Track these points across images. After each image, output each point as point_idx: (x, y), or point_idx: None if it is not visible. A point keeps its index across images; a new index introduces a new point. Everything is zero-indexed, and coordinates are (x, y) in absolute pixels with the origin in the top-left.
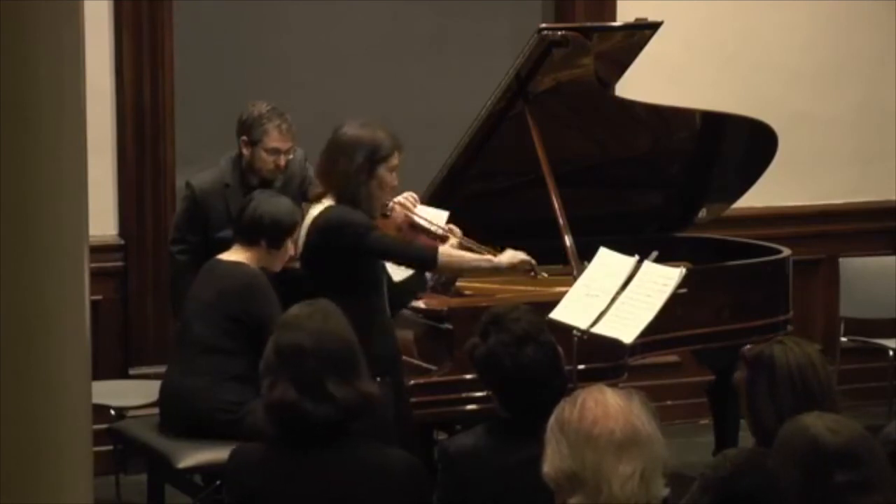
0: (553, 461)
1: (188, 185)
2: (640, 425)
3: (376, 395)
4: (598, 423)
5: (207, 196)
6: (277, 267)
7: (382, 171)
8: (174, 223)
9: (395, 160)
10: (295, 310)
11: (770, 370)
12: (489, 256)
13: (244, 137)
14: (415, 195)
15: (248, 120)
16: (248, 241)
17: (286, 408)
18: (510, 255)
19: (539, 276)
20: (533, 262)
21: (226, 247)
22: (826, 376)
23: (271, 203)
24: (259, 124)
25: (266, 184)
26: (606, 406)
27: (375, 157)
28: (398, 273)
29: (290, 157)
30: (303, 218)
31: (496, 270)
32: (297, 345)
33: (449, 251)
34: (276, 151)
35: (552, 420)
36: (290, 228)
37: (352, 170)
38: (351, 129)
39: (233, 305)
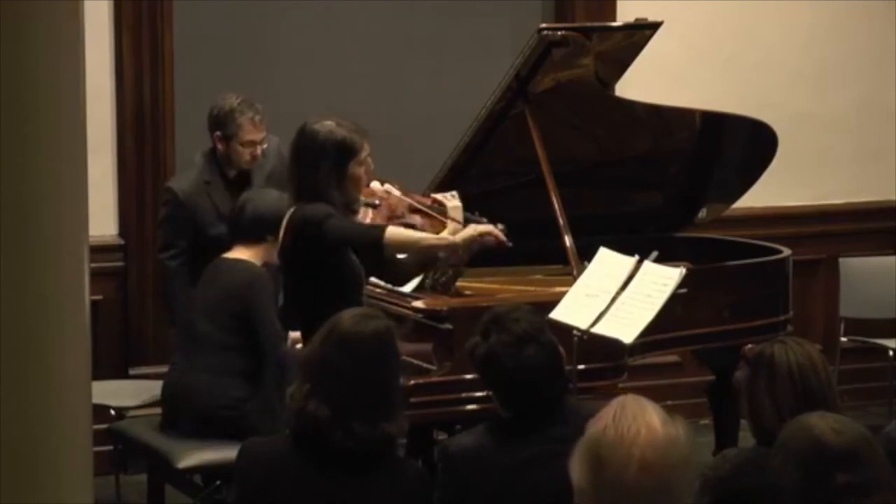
0: (579, 479)
1: (168, 189)
2: (675, 480)
3: (395, 436)
4: (637, 478)
5: (190, 197)
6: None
7: (353, 167)
8: (160, 231)
9: (363, 153)
10: (355, 322)
11: (770, 369)
12: (446, 236)
13: (218, 133)
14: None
15: (219, 115)
16: (253, 240)
17: (313, 425)
18: (470, 231)
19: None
20: (494, 230)
21: (219, 244)
22: (826, 376)
23: (265, 200)
24: (232, 119)
25: (244, 175)
26: (650, 458)
27: (342, 158)
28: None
29: (265, 146)
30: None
31: (453, 250)
32: (343, 370)
33: (398, 230)
34: (252, 144)
35: (592, 436)
36: None
37: (320, 177)
38: (312, 133)
39: (236, 302)
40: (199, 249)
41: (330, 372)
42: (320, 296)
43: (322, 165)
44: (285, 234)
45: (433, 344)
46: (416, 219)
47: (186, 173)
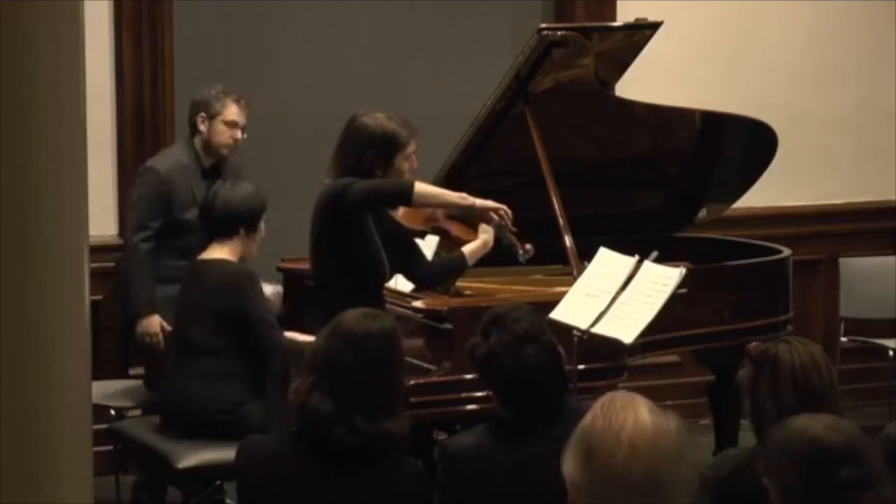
0: (571, 473)
1: (150, 169)
2: (666, 471)
3: (397, 433)
4: (626, 465)
5: (171, 176)
6: (255, 250)
7: (399, 161)
8: (137, 212)
9: (410, 148)
10: (358, 321)
11: (774, 369)
12: (466, 195)
13: (202, 114)
14: None
15: (205, 99)
16: (226, 234)
17: (316, 420)
18: (489, 202)
19: (515, 245)
20: (506, 213)
21: (191, 228)
22: (829, 377)
23: (236, 192)
24: (218, 99)
25: (218, 166)
26: (638, 444)
27: (390, 150)
28: (430, 251)
29: (245, 136)
30: None
31: (470, 208)
32: (347, 367)
33: (426, 185)
34: (235, 125)
35: (582, 427)
36: (262, 209)
37: (364, 165)
38: (363, 124)
39: (220, 302)
40: (170, 232)
41: (335, 369)
42: (342, 284)
43: (368, 155)
44: (313, 214)
45: (433, 344)
46: (452, 225)
47: (166, 155)
